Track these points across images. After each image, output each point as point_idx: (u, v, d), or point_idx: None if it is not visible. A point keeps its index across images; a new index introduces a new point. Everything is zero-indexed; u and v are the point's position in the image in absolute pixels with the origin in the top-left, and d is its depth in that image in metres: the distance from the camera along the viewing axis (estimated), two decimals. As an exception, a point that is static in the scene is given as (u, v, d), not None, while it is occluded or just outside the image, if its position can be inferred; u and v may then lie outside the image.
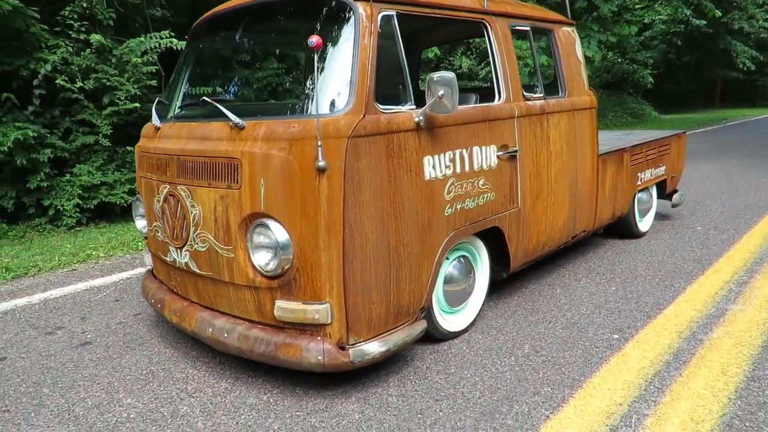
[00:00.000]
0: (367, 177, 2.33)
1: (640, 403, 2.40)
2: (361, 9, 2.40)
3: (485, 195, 2.96)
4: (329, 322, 2.36)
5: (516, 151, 3.14)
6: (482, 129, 2.91)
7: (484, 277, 3.25)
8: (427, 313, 2.84)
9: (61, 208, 6.37)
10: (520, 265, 3.43)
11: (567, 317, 3.33)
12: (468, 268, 3.11)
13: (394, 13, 2.52)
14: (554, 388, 2.54)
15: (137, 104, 6.37)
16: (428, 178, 2.60)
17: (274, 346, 2.41)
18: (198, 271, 2.68)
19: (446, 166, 2.70)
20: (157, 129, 2.92)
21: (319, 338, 2.39)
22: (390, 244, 2.45)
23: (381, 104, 2.43)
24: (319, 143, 2.21)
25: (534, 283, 3.92)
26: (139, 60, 6.40)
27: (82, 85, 6.32)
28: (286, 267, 2.36)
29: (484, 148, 2.92)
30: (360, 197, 2.31)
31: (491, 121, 2.97)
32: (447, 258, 2.97)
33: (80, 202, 6.46)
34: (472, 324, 3.21)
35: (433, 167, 2.63)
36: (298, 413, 2.43)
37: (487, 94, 3.16)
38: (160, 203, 2.82)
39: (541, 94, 3.40)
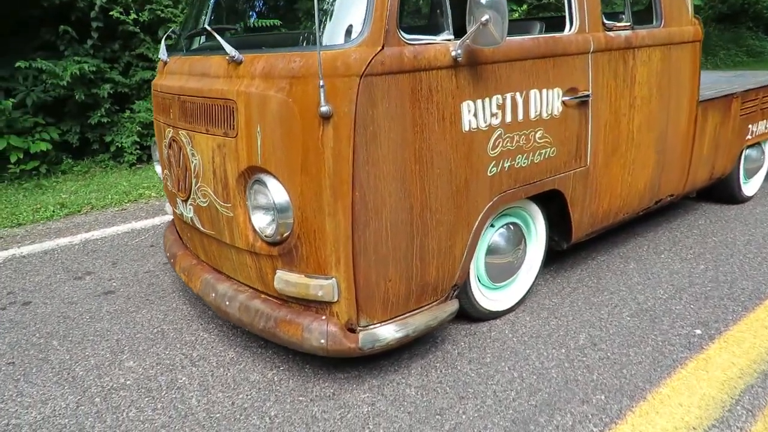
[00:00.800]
0: (385, 126, 1.86)
1: (721, 428, 1.87)
2: None
3: (543, 151, 2.40)
4: (335, 299, 1.99)
5: (588, 95, 2.52)
6: (544, 67, 2.31)
7: (538, 247, 2.73)
8: (461, 290, 2.40)
9: (121, 145, 6.37)
10: (585, 235, 2.87)
11: (638, 301, 2.76)
12: (518, 238, 2.61)
13: None
14: (609, 396, 2.05)
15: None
16: (467, 128, 2.09)
17: (274, 322, 2.08)
18: (202, 228, 2.38)
19: (492, 114, 2.16)
20: (165, 64, 2.57)
21: (323, 318, 2.03)
22: (413, 209, 2.00)
23: (407, 33, 1.92)
24: (321, 83, 1.76)
25: (603, 254, 3.34)
26: (192, -10, 6.07)
27: (136, 17, 6.13)
28: (286, 233, 1.99)
29: (545, 91, 2.34)
30: (375, 151, 1.86)
31: (557, 57, 2.36)
32: (492, 226, 2.48)
33: (138, 139, 6.43)
34: (520, 302, 2.74)
35: (475, 115, 2.10)
36: (300, 398, 2.13)
37: (555, 24, 2.53)
38: (166, 149, 2.51)
39: (628, 23, 2.70)
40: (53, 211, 4.77)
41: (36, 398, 2.19)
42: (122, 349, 2.52)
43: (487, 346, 2.42)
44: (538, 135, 2.36)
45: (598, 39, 2.52)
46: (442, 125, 2.01)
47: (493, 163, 2.21)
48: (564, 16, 2.48)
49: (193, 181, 2.30)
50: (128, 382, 2.27)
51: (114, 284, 3.22)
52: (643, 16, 2.95)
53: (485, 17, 1.87)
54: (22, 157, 5.87)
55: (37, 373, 2.36)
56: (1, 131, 5.80)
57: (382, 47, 1.82)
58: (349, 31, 1.86)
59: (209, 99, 2.09)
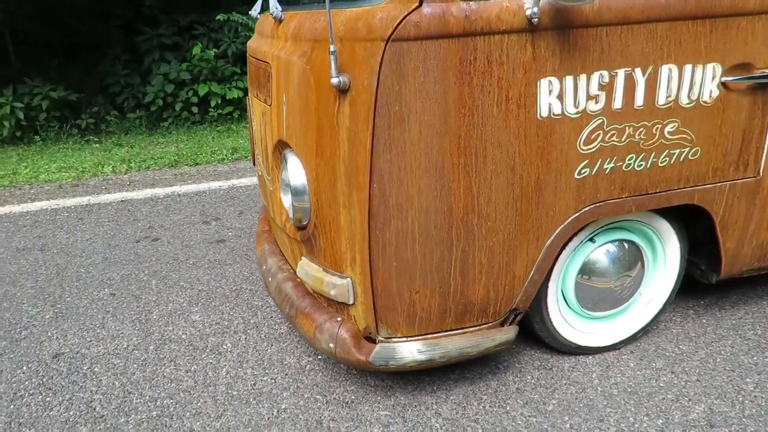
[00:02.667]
0: (417, 106, 1.48)
1: None
2: None
3: (676, 151, 1.73)
4: (351, 302, 1.73)
5: (771, 76, 1.73)
6: (692, 32, 1.62)
7: (666, 276, 2.05)
8: (537, 312, 1.92)
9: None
10: (747, 271, 2.07)
11: (813, 378, 1.92)
12: (632, 260, 1.98)
13: None
14: None
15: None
16: (545, 114, 1.57)
17: (296, 311, 1.90)
18: (263, 198, 2.28)
19: (591, 98, 1.59)
20: (255, 21, 2.47)
21: (339, 319, 1.78)
22: (453, 212, 1.60)
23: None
24: (332, 48, 1.44)
25: (788, 296, 2.42)
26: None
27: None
28: (303, 219, 1.76)
29: (688, 67, 1.65)
30: (401, 136, 1.50)
31: (717, 19, 1.63)
32: (591, 240, 1.91)
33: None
34: (630, 341, 2.12)
35: (560, 97, 1.57)
36: (318, 396, 1.95)
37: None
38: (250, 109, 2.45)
39: None
40: (225, 155, 5.25)
41: (110, 333, 2.40)
42: (198, 301, 2.62)
43: (557, 389, 1.92)
44: (669, 129, 1.69)
45: (805, -10, 1.68)
46: (504, 108, 1.53)
47: (585, 162, 1.65)
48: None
49: (254, 147, 2.19)
50: (183, 336, 2.35)
51: (229, 233, 3.39)
52: None
53: (571, -40, 1.33)
54: (219, 102, 6.58)
55: (126, 309, 2.58)
56: (206, 78, 6.55)
57: (420, 3, 1.42)
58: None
59: (256, 61, 1.93)
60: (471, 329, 1.79)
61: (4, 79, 6.37)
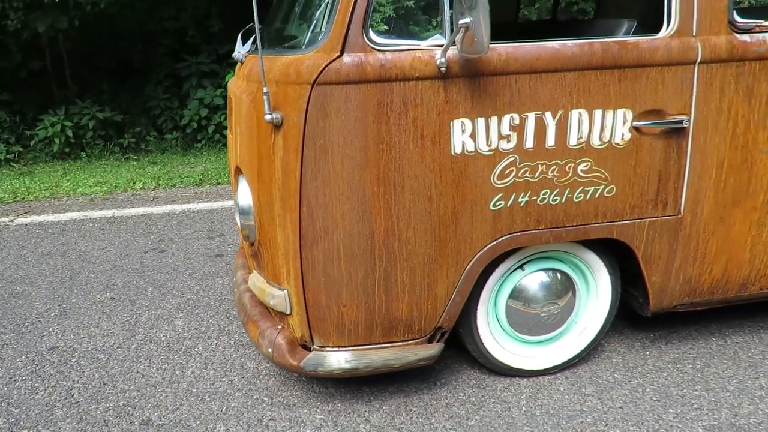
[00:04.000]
0: (339, 141, 1.69)
1: None
2: None
3: (591, 188, 1.87)
4: (288, 312, 1.93)
5: (683, 121, 1.85)
6: (600, 81, 1.77)
7: (599, 306, 2.16)
8: (469, 334, 2.07)
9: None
10: (680, 305, 2.15)
11: (738, 414, 1.97)
12: (563, 288, 2.10)
13: None
14: None
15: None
16: (459, 151, 1.75)
17: (247, 319, 2.12)
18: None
19: (502, 137, 1.77)
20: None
21: (279, 327, 1.99)
22: (375, 235, 1.79)
23: (384, 37, 1.69)
24: (265, 89, 1.68)
25: (739, 334, 2.45)
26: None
27: None
28: (251, 236, 1.99)
29: (599, 112, 1.80)
30: (326, 167, 1.71)
31: (625, 69, 1.78)
32: (521, 268, 2.05)
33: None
34: (567, 366, 2.22)
35: (472, 136, 1.75)
36: (265, 398, 2.15)
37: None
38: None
39: (790, 21, 1.86)
40: (245, 176, 5.59)
41: (102, 331, 2.68)
42: (185, 308, 2.88)
43: (484, 406, 2.05)
44: (582, 167, 1.84)
45: (714, 45, 1.81)
46: (420, 145, 1.73)
47: (500, 195, 1.81)
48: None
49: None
50: (163, 338, 2.60)
51: (228, 249, 3.67)
52: None
53: (465, 20, 1.53)
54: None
55: (120, 312, 2.87)
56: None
57: (341, 54, 1.64)
58: (311, 36, 1.73)
59: (228, 96, 2.19)
60: (399, 344, 1.95)
61: (60, 100, 7.02)
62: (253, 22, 1.86)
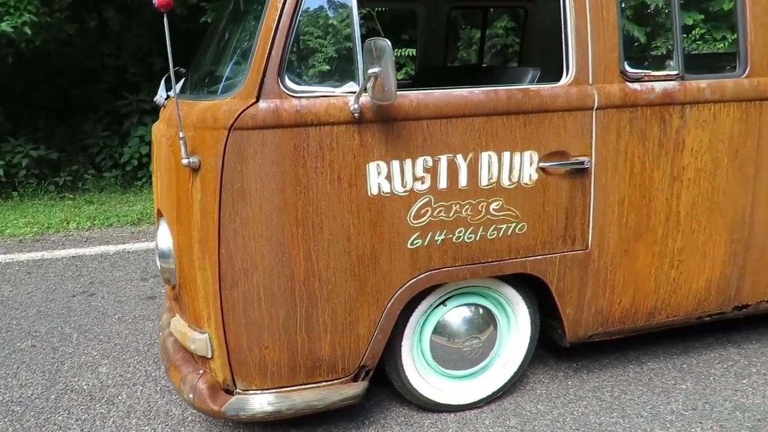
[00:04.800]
0: (257, 184, 1.73)
1: None
2: (285, -51, 1.72)
3: (503, 226, 1.96)
4: (210, 356, 1.91)
5: (584, 162, 1.98)
6: (507, 125, 1.89)
7: (520, 339, 2.23)
8: (395, 371, 2.10)
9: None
10: (594, 335, 2.26)
11: (646, 438, 2.07)
12: (485, 322, 2.17)
13: (348, -48, 1.74)
14: None
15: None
16: (375, 192, 1.82)
17: (169, 364, 2.08)
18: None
19: (417, 179, 1.84)
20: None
21: (200, 372, 1.96)
22: (295, 277, 1.81)
23: (302, 84, 1.75)
24: (181, 134, 1.70)
25: (655, 361, 2.58)
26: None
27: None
28: (171, 280, 1.98)
29: (507, 154, 1.91)
30: (244, 210, 1.74)
31: (529, 114, 1.90)
32: (444, 304, 2.11)
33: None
34: (493, 399, 2.27)
35: (387, 178, 1.82)
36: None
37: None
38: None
39: (675, 72, 2.05)
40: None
41: (20, 381, 2.56)
42: (111, 354, 2.79)
43: (409, 445, 2.06)
44: (494, 206, 1.93)
45: (608, 93, 1.96)
46: (337, 187, 1.78)
47: (417, 234, 1.88)
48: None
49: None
50: (85, 387, 2.50)
51: (162, 290, 3.59)
52: (724, 62, 2.21)
53: (374, 70, 1.61)
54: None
55: (41, 360, 2.75)
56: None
57: (256, 100, 1.70)
58: (229, 82, 1.78)
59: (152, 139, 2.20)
60: (323, 384, 1.96)
61: (-9, 138, 6.76)
62: (192, 61, 1.91)
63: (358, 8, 1.75)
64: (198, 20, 6.29)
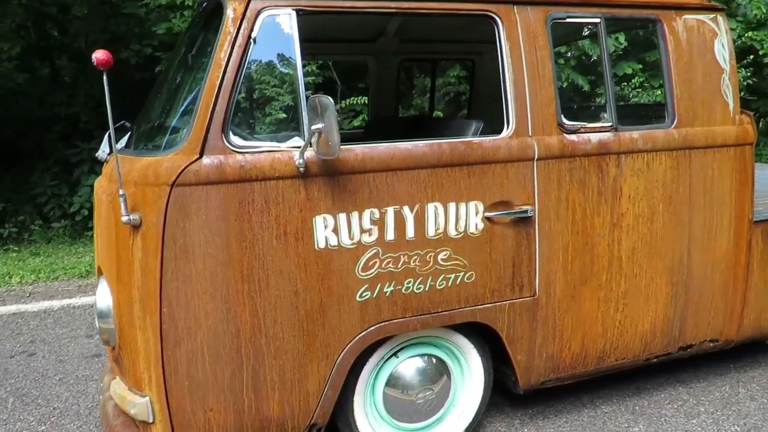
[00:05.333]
0: (201, 240, 1.70)
1: None
2: (230, 8, 1.76)
3: (452, 275, 1.98)
4: (151, 420, 1.82)
5: (527, 211, 2.03)
6: (451, 177, 1.93)
7: (474, 388, 2.22)
8: (347, 427, 2.04)
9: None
10: (547, 381, 2.26)
11: (601, 485, 2.06)
12: (438, 372, 2.15)
13: (292, 12, 1.79)
14: None
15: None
16: (322, 246, 1.81)
17: (108, 429, 1.97)
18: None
19: (364, 231, 1.85)
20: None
21: (141, 438, 1.87)
22: (241, 334, 1.77)
23: (244, 139, 1.76)
24: (121, 191, 1.67)
25: (609, 404, 2.60)
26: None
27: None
28: (110, 341, 1.90)
29: (452, 205, 1.94)
30: (187, 267, 1.70)
31: (473, 166, 1.96)
32: (396, 356, 2.09)
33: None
34: (447, 452, 2.23)
35: (335, 231, 1.82)
36: None
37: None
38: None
39: (609, 123, 2.16)
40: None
41: (-57, 455, 2.37)
42: (49, 419, 2.62)
43: (364, 505, 1.99)
44: (442, 256, 1.95)
45: (548, 144, 2.04)
46: (283, 241, 1.77)
47: (366, 286, 1.87)
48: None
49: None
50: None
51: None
52: (653, 113, 2.35)
53: (317, 126, 1.64)
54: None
55: (-31, 429, 2.56)
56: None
57: (200, 156, 1.69)
58: (172, 138, 1.77)
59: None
60: (272, 445, 1.89)
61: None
62: (138, 114, 1.88)
63: (303, 67, 1.79)
64: (153, 69, 6.29)
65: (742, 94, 8.31)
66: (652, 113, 2.47)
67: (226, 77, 1.71)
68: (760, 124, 10.51)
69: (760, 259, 2.47)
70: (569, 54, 7.04)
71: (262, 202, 1.74)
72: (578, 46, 6.72)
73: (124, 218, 1.68)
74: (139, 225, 1.70)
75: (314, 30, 2.86)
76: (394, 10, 1.94)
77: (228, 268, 1.73)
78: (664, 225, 2.26)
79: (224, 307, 1.74)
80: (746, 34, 7.47)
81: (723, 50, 2.32)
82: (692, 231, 2.32)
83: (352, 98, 6.97)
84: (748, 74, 7.76)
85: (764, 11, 7.26)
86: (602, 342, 2.27)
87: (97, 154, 2.15)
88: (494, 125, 2.09)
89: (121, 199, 1.67)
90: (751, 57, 7.81)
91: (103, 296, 1.88)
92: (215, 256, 1.71)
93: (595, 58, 7.31)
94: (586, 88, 6.72)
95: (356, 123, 6.74)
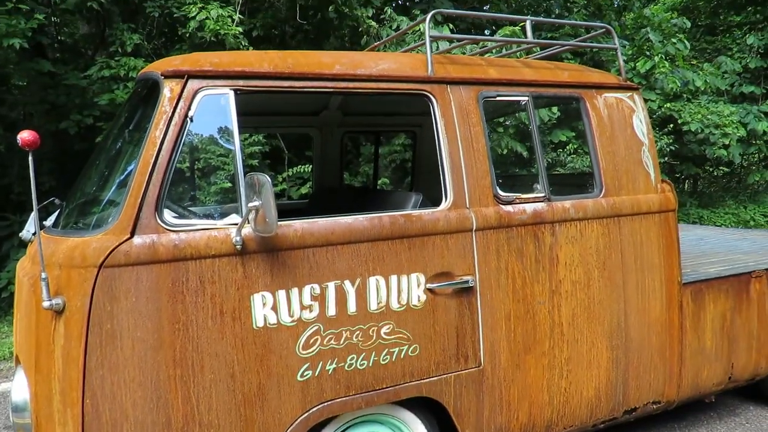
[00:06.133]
0: (129, 324, 1.61)
1: None
2: (166, 87, 1.76)
3: (395, 349, 1.95)
4: None
5: (469, 281, 2.06)
6: (392, 249, 1.94)
7: (423, 466, 2.14)
8: None
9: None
10: (498, 454, 2.22)
11: None
12: (385, 453, 2.07)
13: (230, 92, 1.81)
14: None
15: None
16: (261, 325, 1.75)
17: None
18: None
19: (304, 307, 1.81)
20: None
21: None
22: (172, 423, 1.65)
23: (178, 217, 1.72)
24: (43, 274, 1.59)
25: (560, 474, 2.55)
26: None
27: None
28: (26, 438, 1.74)
29: (394, 278, 1.94)
30: (114, 353, 1.60)
31: (413, 238, 1.98)
32: (341, 436, 2.00)
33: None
34: None
35: (274, 309, 1.77)
36: None
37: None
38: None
39: (542, 194, 2.25)
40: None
41: None
42: None
43: None
44: (385, 330, 1.93)
45: (485, 215, 2.10)
46: (219, 321, 1.70)
47: (307, 365, 1.81)
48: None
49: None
50: None
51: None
52: (583, 183, 2.47)
53: (254, 204, 1.63)
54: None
55: None
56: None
57: (131, 236, 1.63)
58: (102, 217, 1.72)
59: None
60: None
61: None
62: (69, 191, 1.80)
63: (242, 147, 1.80)
64: (94, 140, 6.17)
65: (667, 159, 8.96)
66: (582, 183, 2.60)
67: (160, 156, 1.69)
68: (686, 185, 11.27)
69: (691, 319, 2.57)
70: (508, 123, 7.41)
71: (197, 281, 1.68)
72: (515, 116, 7.12)
73: (46, 303, 1.58)
74: (62, 310, 1.60)
75: (257, 104, 2.91)
76: (331, 90, 1.99)
77: (159, 352, 1.64)
78: (600, 290, 2.33)
79: (154, 395, 1.63)
80: (665, 105, 8.13)
81: (641, 125, 2.50)
82: (627, 295, 2.39)
83: (299, 166, 7.02)
84: (671, 141, 8.38)
85: (678, 85, 7.95)
86: (549, 410, 2.26)
87: (21, 234, 2.05)
88: (436, 194, 2.14)
89: (43, 282, 1.58)
90: (671, 126, 8.48)
91: (20, 388, 1.73)
92: (145, 341, 1.62)
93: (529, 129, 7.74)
94: (525, 154, 7.05)
95: (304, 191, 6.75)
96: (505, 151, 7.00)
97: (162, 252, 1.64)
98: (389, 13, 6.99)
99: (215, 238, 1.71)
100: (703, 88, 8.59)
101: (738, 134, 8.40)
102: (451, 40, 4.42)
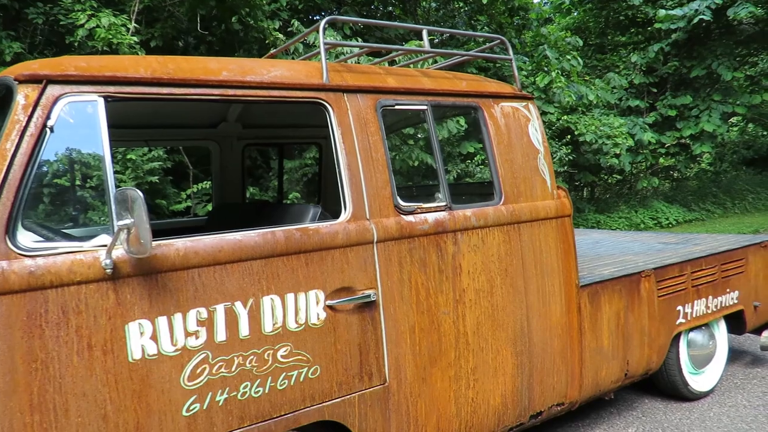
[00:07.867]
0: (-27, 367, 1.38)
1: None
2: (20, 94, 1.55)
3: (294, 372, 1.83)
4: None
5: (370, 295, 1.98)
6: (288, 266, 1.83)
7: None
8: None
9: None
10: (407, 473, 2.14)
11: None
12: (289, 484, 1.93)
13: (99, 99, 1.63)
14: None
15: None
16: (138, 357, 1.57)
17: None
18: None
19: (189, 334, 1.65)
20: None
21: None
22: (31, 479, 1.43)
23: (36, 240, 1.51)
24: None
25: (473, 486, 2.53)
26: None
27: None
28: None
29: (291, 296, 1.83)
30: (-47, 403, 1.36)
31: (311, 253, 1.88)
32: (238, 471, 1.84)
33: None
34: None
35: (153, 338, 1.60)
36: None
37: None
38: None
39: (443, 203, 2.23)
40: None
41: None
42: None
43: None
44: (282, 353, 1.80)
45: (386, 226, 2.04)
46: (87, 356, 1.50)
47: (194, 397, 1.65)
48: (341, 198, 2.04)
49: None
50: None
51: None
52: (485, 192, 2.49)
53: (125, 222, 1.45)
54: None
55: None
56: None
57: (-26, 263, 1.40)
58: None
59: None
60: None
61: None
62: None
63: (112, 159, 1.62)
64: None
65: (567, 168, 9.50)
66: (483, 191, 2.62)
67: (11, 171, 1.48)
68: (584, 192, 12.01)
69: (589, 321, 2.65)
70: (419, 135, 7.53)
71: (59, 312, 1.48)
72: (424, 128, 7.23)
73: None
74: None
75: (145, 115, 2.69)
76: (218, 98, 1.86)
77: (12, 397, 1.41)
78: (503, 297, 2.34)
79: (6, 448, 1.41)
80: (563, 118, 8.62)
81: (536, 133, 2.56)
82: (529, 300, 2.42)
83: (206, 182, 6.71)
84: (569, 151, 8.89)
85: (574, 99, 8.47)
86: (457, 422, 2.22)
87: None
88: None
89: None
90: (569, 137, 9.00)
91: None
92: (-6, 385, 1.40)
93: (442, 138, 7.91)
94: (435, 166, 7.15)
95: (210, 207, 6.44)
96: (416, 163, 7.09)
97: (14, 280, 1.43)
98: (296, 25, 6.89)
99: (81, 262, 1.51)
100: (595, 102, 9.22)
101: (627, 144, 9.07)
102: (352, 50, 4.39)
